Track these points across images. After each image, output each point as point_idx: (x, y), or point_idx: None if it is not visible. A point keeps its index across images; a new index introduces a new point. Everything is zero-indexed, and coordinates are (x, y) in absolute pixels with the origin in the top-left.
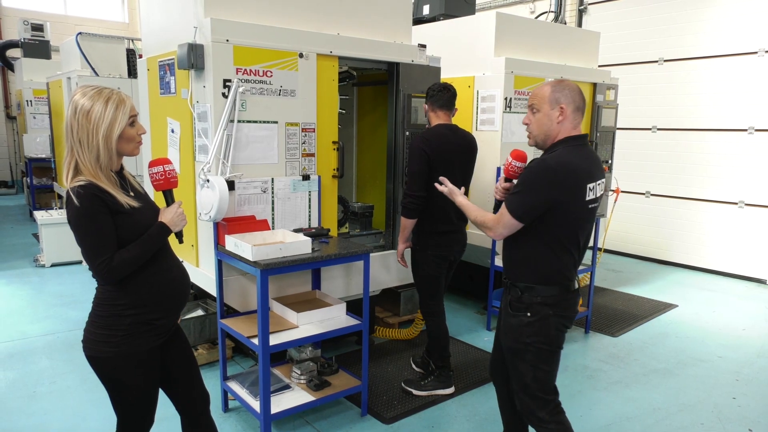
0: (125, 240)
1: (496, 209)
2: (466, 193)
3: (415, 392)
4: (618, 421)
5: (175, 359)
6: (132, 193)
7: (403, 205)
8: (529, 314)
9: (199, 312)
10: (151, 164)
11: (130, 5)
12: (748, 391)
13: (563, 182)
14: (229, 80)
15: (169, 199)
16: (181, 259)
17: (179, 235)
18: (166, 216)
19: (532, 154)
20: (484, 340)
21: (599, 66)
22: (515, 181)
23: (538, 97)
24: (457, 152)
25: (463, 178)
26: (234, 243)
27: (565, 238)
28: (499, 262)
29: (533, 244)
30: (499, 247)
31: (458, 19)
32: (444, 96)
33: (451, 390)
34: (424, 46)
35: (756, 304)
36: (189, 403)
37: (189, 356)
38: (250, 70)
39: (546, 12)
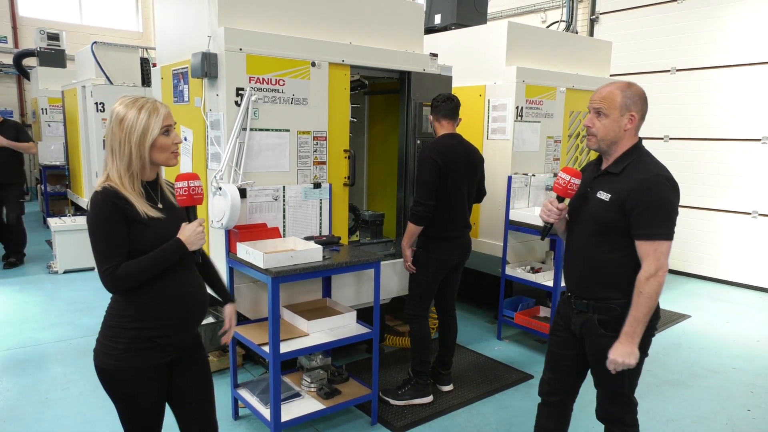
0: (139, 250)
1: (544, 234)
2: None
3: (392, 402)
4: None
5: (191, 383)
6: (161, 205)
7: (412, 212)
8: None
9: (210, 319)
10: (178, 179)
11: (144, 15)
12: (762, 403)
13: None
14: (242, 89)
15: (192, 216)
16: None
17: (197, 255)
18: (184, 233)
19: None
20: (495, 350)
21: (611, 75)
22: (567, 201)
23: (607, 102)
24: (463, 163)
25: (469, 188)
26: (245, 250)
27: None
28: (510, 271)
29: (632, 257)
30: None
31: (470, 28)
32: (448, 106)
33: (429, 399)
34: (435, 55)
35: None
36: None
37: (206, 384)
38: (263, 79)
39: (557, 21)
